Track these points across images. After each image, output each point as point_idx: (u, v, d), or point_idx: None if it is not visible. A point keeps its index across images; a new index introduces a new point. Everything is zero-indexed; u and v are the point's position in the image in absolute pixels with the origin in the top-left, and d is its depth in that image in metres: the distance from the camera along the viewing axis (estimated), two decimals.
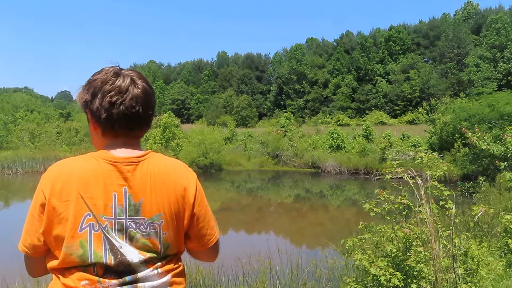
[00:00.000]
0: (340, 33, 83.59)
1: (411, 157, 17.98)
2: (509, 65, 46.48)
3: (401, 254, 3.75)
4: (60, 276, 1.18)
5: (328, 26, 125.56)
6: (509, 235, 5.01)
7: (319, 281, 5.50)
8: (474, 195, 12.13)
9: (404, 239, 3.78)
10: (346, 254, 4.23)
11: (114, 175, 1.19)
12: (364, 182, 19.97)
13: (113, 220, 1.17)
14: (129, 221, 1.18)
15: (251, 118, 57.80)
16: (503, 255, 4.88)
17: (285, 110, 52.62)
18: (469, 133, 6.17)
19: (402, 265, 3.66)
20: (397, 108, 50.67)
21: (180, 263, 1.31)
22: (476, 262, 3.69)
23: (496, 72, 46.68)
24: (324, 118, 51.21)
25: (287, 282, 5.50)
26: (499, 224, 5.66)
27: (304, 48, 64.61)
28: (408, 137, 24.74)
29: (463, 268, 3.62)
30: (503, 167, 6.33)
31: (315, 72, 59.53)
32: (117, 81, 1.23)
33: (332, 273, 5.67)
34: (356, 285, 3.93)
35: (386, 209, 4.15)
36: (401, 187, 4.27)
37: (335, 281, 5.41)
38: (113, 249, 1.16)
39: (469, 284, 3.51)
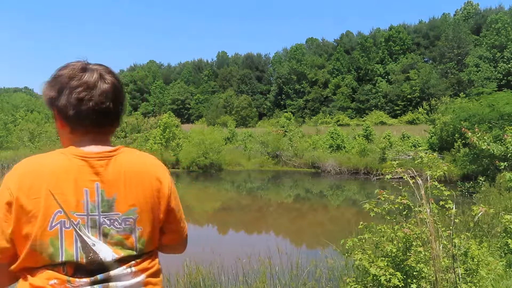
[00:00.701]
0: (340, 33, 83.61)
1: (411, 157, 17.97)
2: (509, 65, 46.49)
3: (401, 254, 3.75)
4: (28, 276, 1.13)
5: (328, 26, 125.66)
6: (509, 235, 5.01)
7: (319, 281, 5.50)
8: (474, 195, 12.14)
9: (404, 239, 3.78)
10: (346, 254, 4.23)
11: (85, 171, 1.15)
12: (364, 182, 19.97)
13: (86, 216, 1.13)
14: (102, 218, 1.14)
15: (251, 118, 57.81)
16: (503, 255, 4.88)
17: (285, 110, 52.62)
18: (469, 133, 6.17)
19: (402, 265, 3.66)
20: (397, 108, 50.67)
21: (155, 262, 1.27)
22: (476, 262, 3.69)
23: (496, 72, 46.70)
24: (324, 118, 51.22)
25: (287, 282, 5.50)
26: (499, 224, 5.66)
27: (304, 48, 64.64)
28: (408, 137, 24.76)
29: (463, 268, 3.62)
30: (503, 167, 6.34)
31: (315, 72, 59.53)
32: (84, 76, 1.18)
33: (332, 273, 5.67)
34: (356, 285, 3.93)
35: (386, 209, 4.15)
36: (401, 187, 4.26)
37: (335, 281, 5.41)
38: (85, 247, 1.12)
39: (469, 284, 3.51)
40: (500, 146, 6.45)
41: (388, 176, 4.55)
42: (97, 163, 1.16)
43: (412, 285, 3.46)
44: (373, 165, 20.77)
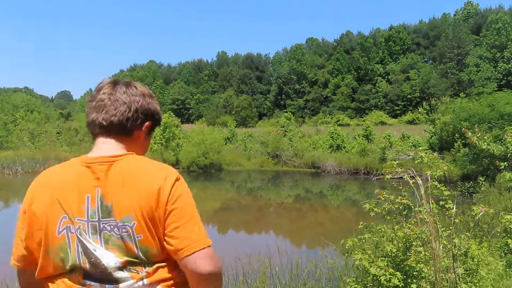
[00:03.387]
0: (340, 33, 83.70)
1: (411, 157, 17.96)
2: (509, 65, 46.50)
3: (401, 254, 3.75)
4: (49, 284, 1.18)
5: (328, 26, 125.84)
6: (509, 235, 5.01)
7: (319, 281, 5.50)
8: (474, 195, 12.12)
9: (404, 239, 3.78)
10: (346, 254, 4.23)
11: (88, 177, 1.17)
12: (364, 182, 19.97)
13: (86, 222, 1.14)
14: (102, 223, 1.14)
15: (251, 118, 57.81)
16: (503, 255, 4.88)
17: (285, 110, 52.67)
18: (469, 133, 6.18)
19: (402, 265, 3.66)
20: (397, 108, 50.71)
21: (174, 274, 1.19)
22: (476, 262, 3.69)
23: (496, 72, 46.71)
24: (324, 118, 51.24)
25: (287, 282, 5.49)
26: (499, 224, 5.66)
27: (304, 48, 64.68)
28: (408, 137, 24.74)
29: (463, 268, 3.62)
30: (503, 167, 6.34)
31: (315, 72, 59.57)
32: (104, 87, 1.27)
33: (332, 273, 5.67)
34: (356, 285, 3.93)
35: (386, 209, 4.15)
36: (401, 187, 4.26)
37: (335, 281, 5.41)
38: (86, 252, 1.13)
39: (469, 284, 3.51)
40: (500, 146, 6.46)
41: (388, 176, 4.54)
42: (98, 168, 1.17)
43: (412, 285, 3.46)
44: (373, 165, 20.75)
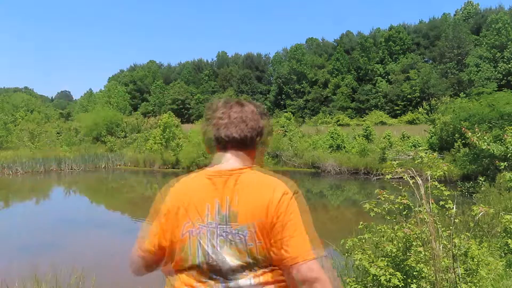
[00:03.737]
0: (340, 33, 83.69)
1: (411, 157, 17.95)
2: (509, 65, 46.49)
3: (401, 254, 3.75)
4: (170, 278, 1.36)
5: (328, 26, 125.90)
6: (509, 235, 5.01)
7: None
8: (474, 195, 12.11)
9: (404, 239, 3.78)
10: (346, 254, 4.23)
11: (209, 188, 1.33)
12: (364, 182, 19.96)
13: (206, 227, 1.30)
14: (219, 229, 1.29)
15: None
16: (503, 255, 4.88)
17: (285, 110, 52.59)
18: (469, 133, 6.18)
19: (402, 265, 3.66)
20: (397, 108, 50.67)
21: (281, 279, 1.30)
22: (476, 262, 3.68)
23: (496, 72, 46.70)
24: (324, 118, 51.20)
25: None
26: (499, 224, 5.66)
27: (304, 48, 64.59)
28: (408, 137, 24.71)
29: (463, 268, 3.62)
30: (503, 167, 6.34)
31: (315, 72, 59.53)
32: (226, 105, 1.42)
33: (332, 273, 5.66)
34: (356, 285, 3.93)
35: (386, 209, 4.15)
36: (401, 187, 4.26)
37: (335, 281, 5.40)
38: (205, 254, 1.28)
39: (469, 284, 3.50)
40: (500, 146, 6.46)
41: (388, 176, 4.54)
42: (218, 180, 1.34)
43: (412, 285, 3.46)
44: (373, 165, 20.74)
